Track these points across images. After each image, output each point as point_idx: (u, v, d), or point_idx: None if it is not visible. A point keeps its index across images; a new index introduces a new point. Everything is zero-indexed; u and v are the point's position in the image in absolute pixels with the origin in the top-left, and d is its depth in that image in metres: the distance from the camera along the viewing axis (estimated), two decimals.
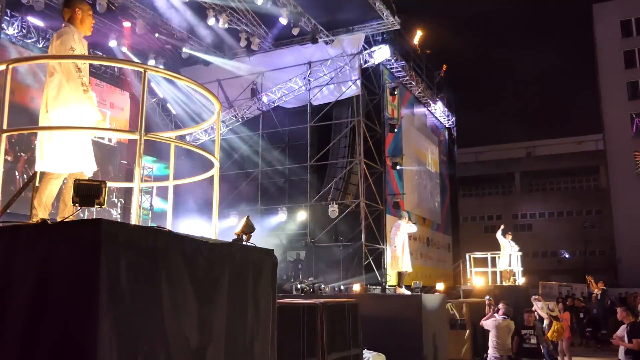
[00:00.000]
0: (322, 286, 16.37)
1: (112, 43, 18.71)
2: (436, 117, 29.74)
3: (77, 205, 3.57)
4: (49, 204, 4.60)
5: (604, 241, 42.13)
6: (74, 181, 3.61)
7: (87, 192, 3.56)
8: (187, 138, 19.79)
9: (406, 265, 12.15)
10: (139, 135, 3.92)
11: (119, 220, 14.27)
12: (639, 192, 38.60)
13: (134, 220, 3.96)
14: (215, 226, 4.92)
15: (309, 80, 21.12)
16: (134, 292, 3.21)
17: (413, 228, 12.95)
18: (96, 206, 3.56)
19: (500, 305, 10.28)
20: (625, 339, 8.31)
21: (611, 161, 41.13)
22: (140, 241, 3.37)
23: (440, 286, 13.41)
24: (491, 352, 9.92)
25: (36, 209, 4.49)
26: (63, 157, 4.48)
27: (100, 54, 18.75)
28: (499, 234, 18.39)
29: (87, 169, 4.71)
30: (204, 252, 3.94)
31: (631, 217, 38.73)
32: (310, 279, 17.10)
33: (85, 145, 4.59)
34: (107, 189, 3.65)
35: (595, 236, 43.39)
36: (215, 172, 4.98)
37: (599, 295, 18.50)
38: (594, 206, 45.93)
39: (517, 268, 18.28)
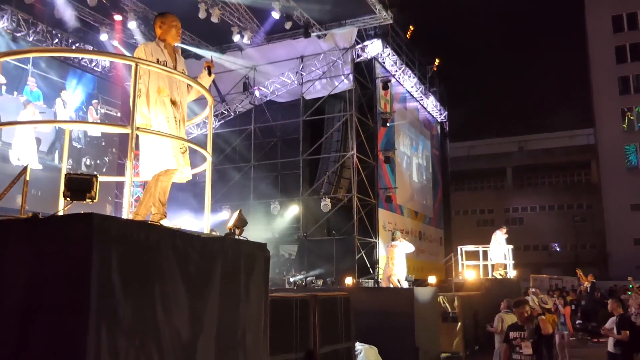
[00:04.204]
0: (315, 280, 16.43)
1: (103, 37, 18.60)
2: (428, 112, 29.79)
3: (68, 199, 3.57)
4: (164, 200, 4.82)
5: (594, 235, 42.46)
6: (65, 175, 3.61)
7: (78, 186, 3.55)
8: None
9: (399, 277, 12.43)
10: (131, 130, 3.92)
11: (111, 215, 14.19)
12: (630, 187, 38.92)
13: (125, 215, 3.96)
14: (207, 220, 4.93)
15: (302, 74, 21.08)
16: (125, 286, 3.22)
17: (411, 248, 13.10)
18: (88, 200, 3.55)
19: (505, 302, 10.18)
20: (615, 330, 8.40)
21: (602, 155, 41.41)
22: (132, 236, 3.37)
23: (432, 279, 13.50)
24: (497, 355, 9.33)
25: (142, 211, 4.72)
26: (152, 159, 4.69)
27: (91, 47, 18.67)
28: (500, 237, 18.15)
29: (179, 166, 4.83)
30: (196, 246, 3.94)
31: (621, 211, 39.07)
32: (302, 272, 17.14)
33: (167, 145, 4.70)
34: (98, 183, 3.65)
35: (586, 230, 43.72)
36: (207, 166, 4.98)
37: (588, 288, 18.65)
38: (585, 200, 46.25)
39: (509, 261, 18.38)
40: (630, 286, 19.55)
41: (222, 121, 22.41)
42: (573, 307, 17.47)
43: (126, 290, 3.23)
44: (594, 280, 19.44)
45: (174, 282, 3.65)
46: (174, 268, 3.65)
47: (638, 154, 40.50)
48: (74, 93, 18.62)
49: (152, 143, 4.67)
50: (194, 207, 20.60)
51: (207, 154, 4.87)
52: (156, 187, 4.77)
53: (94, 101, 19.45)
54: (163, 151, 4.65)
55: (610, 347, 8.64)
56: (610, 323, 8.60)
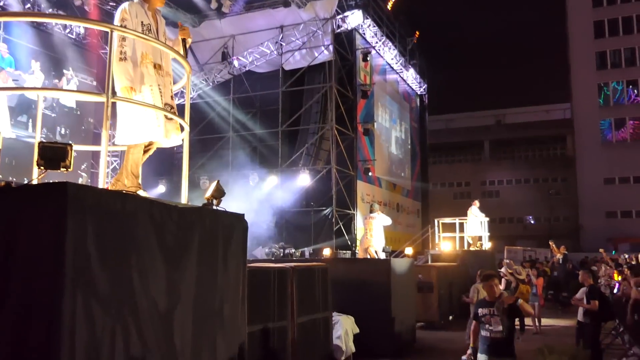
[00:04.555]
0: (293, 251, 16.52)
1: (78, 1, 18.12)
2: (408, 84, 29.76)
3: (42, 168, 3.51)
4: (136, 172, 4.71)
5: (568, 208, 43.30)
6: (38, 143, 3.54)
7: (52, 154, 3.50)
8: None
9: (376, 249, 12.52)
10: (106, 98, 3.85)
11: (86, 184, 14.03)
12: (604, 161, 39.63)
13: (101, 184, 3.91)
14: (185, 191, 4.90)
15: (281, 44, 20.85)
16: (101, 256, 3.20)
17: (388, 221, 13.18)
18: (62, 169, 3.50)
19: (479, 272, 10.30)
20: (584, 300, 8.63)
21: (578, 130, 41.99)
22: (108, 205, 3.34)
23: (409, 251, 13.68)
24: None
25: (122, 179, 4.61)
26: (126, 129, 4.56)
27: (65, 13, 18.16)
28: (476, 211, 18.38)
29: (156, 138, 4.73)
30: (173, 216, 3.93)
31: (595, 185, 39.86)
32: (280, 244, 17.21)
33: (147, 116, 4.57)
34: (72, 151, 3.59)
35: (560, 203, 44.55)
36: (185, 136, 4.93)
37: (560, 260, 19.09)
38: (560, 174, 46.98)
39: (484, 233, 18.68)
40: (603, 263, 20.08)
41: (200, 91, 22.13)
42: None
43: (102, 259, 3.21)
44: (566, 252, 19.91)
45: (151, 252, 3.64)
46: (151, 238, 3.64)
47: (613, 129, 41.15)
48: (46, 60, 18.16)
49: (129, 112, 4.56)
50: (169, 177, 20.48)
51: (185, 123, 4.82)
52: (127, 159, 4.70)
53: (65, 71, 18.99)
54: (137, 123, 4.55)
55: (580, 317, 8.89)
56: (581, 293, 8.83)
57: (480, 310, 5.97)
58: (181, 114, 4.90)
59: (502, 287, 8.12)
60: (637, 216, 39.50)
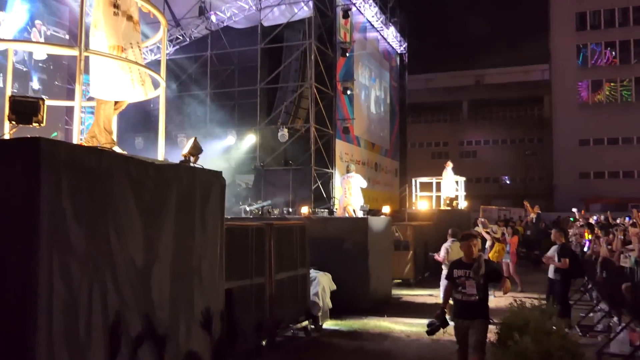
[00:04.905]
0: (271, 209, 16.56)
1: None
2: (388, 43, 29.47)
3: (13, 122, 3.43)
4: (109, 129, 4.61)
5: (543, 168, 43.95)
6: (9, 97, 3.45)
7: (24, 109, 3.42)
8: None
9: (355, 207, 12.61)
10: (79, 51, 3.75)
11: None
12: (579, 122, 40.09)
13: (75, 140, 3.85)
14: (161, 147, 4.85)
15: None
16: (76, 213, 3.17)
17: (364, 183, 13.22)
18: (34, 124, 3.43)
19: (449, 231, 10.38)
20: (555, 258, 8.85)
21: (555, 91, 42.24)
22: (83, 161, 3.29)
23: (386, 209, 13.79)
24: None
25: (96, 135, 4.50)
26: (103, 84, 4.43)
27: None
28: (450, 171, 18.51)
29: (133, 99, 4.65)
30: (150, 173, 3.90)
31: (569, 146, 40.41)
32: (259, 202, 17.24)
33: (120, 73, 4.43)
34: (45, 106, 3.51)
35: (536, 164, 45.17)
36: (161, 92, 4.85)
37: (534, 219, 19.48)
38: (537, 135, 47.45)
39: (460, 193, 18.91)
40: (572, 219, 20.57)
41: (177, 47, 21.66)
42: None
43: (78, 216, 3.19)
44: (540, 212, 20.31)
45: (127, 209, 3.62)
46: (127, 195, 3.62)
47: (589, 91, 41.51)
48: (16, 13, 17.54)
49: (107, 67, 4.43)
50: (147, 135, 20.22)
51: (161, 79, 4.73)
52: (99, 115, 4.60)
53: (37, 21, 18.37)
54: (115, 79, 4.44)
55: (550, 274, 9.13)
56: (552, 251, 9.04)
57: (455, 272, 5.76)
58: (157, 69, 4.80)
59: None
60: (610, 177, 40.29)
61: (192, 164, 4.59)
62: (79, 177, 3.23)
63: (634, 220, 9.50)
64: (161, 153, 4.81)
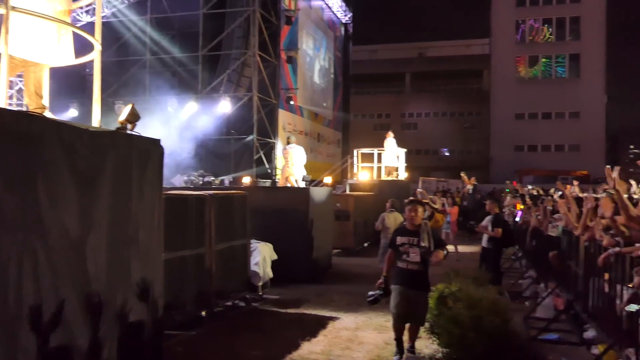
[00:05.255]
0: (212, 179, 16.40)
1: None
2: (333, 12, 29.32)
3: None
4: (40, 93, 4.37)
5: (481, 141, 45.23)
6: None
7: None
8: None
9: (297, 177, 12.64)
10: (6, 9, 3.55)
11: None
12: (517, 97, 41.40)
13: (2, 103, 3.67)
14: (97, 114, 4.69)
15: None
16: (5, 180, 3.05)
17: (304, 157, 13.12)
18: None
19: (389, 202, 10.52)
20: (489, 228, 9.20)
21: (494, 65, 43.33)
22: (12, 126, 3.15)
23: (328, 180, 13.90)
24: (382, 252, 9.32)
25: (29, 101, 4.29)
26: (25, 42, 4.13)
27: None
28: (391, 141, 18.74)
29: (51, 60, 4.37)
30: (85, 140, 3.77)
31: (506, 119, 41.76)
32: (200, 171, 17.01)
33: (45, 33, 4.17)
34: None
35: (474, 136, 46.45)
36: (96, 55, 4.67)
37: (470, 190, 20.09)
38: (475, 108, 48.66)
39: (401, 164, 19.24)
40: (507, 190, 21.33)
41: (114, 9, 20.79)
42: None
43: (7, 183, 3.06)
44: (476, 183, 20.95)
45: (60, 177, 3.50)
46: (60, 162, 3.49)
47: (526, 66, 42.80)
48: None
49: (29, 26, 4.20)
50: (82, 103, 19.48)
51: (96, 42, 4.55)
52: (28, 78, 4.40)
53: None
54: (36, 38, 4.22)
55: (484, 243, 9.50)
56: (486, 221, 9.38)
57: (398, 239, 5.68)
58: (91, 31, 4.61)
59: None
60: (542, 150, 41.98)
61: (129, 132, 4.46)
62: (8, 142, 3.09)
63: (562, 191, 9.94)
64: (96, 120, 4.65)
